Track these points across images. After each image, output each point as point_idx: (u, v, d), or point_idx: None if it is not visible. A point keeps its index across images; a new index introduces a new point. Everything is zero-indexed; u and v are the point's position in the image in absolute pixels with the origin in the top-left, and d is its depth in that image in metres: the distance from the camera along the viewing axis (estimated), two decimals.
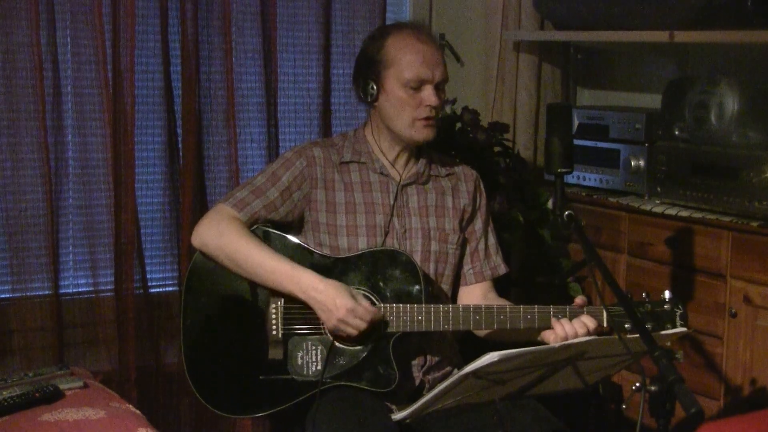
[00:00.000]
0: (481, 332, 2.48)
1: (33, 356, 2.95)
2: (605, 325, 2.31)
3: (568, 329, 2.24)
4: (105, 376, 2.88)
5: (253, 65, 3.19)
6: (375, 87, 2.39)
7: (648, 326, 2.27)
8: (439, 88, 2.39)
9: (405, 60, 2.36)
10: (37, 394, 2.35)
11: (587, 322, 2.26)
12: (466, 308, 2.31)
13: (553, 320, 2.27)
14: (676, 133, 2.99)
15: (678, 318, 2.30)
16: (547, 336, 2.28)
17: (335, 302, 2.23)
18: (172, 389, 3.15)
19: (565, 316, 2.28)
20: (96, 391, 2.49)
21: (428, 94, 2.36)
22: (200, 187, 3.14)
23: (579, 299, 2.32)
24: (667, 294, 2.32)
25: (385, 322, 2.29)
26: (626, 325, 2.23)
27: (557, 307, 2.31)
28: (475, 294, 2.53)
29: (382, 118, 2.42)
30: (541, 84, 3.58)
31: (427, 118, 2.38)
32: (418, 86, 2.36)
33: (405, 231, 2.44)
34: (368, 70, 2.41)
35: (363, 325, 2.24)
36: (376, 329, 2.28)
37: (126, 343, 3.05)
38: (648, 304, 2.31)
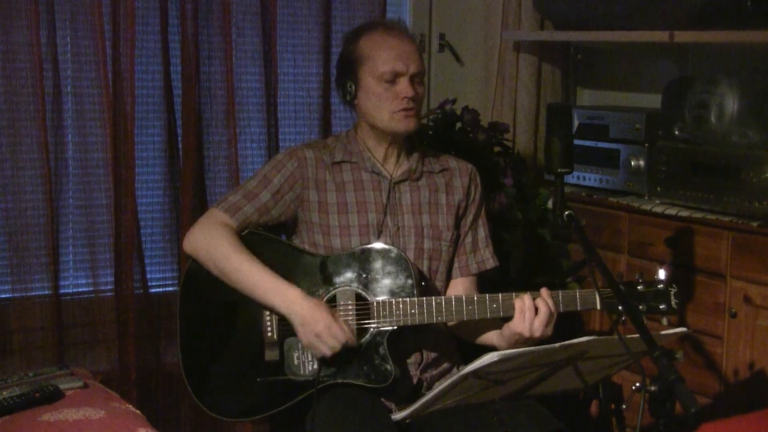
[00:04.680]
0: (452, 325, 2.47)
1: (33, 356, 2.95)
2: (598, 308, 2.33)
3: (527, 302, 2.26)
4: (105, 376, 2.87)
5: (253, 65, 3.19)
6: (353, 86, 2.41)
7: (642, 306, 2.29)
8: (414, 80, 2.40)
9: (378, 55, 2.38)
10: (37, 394, 2.34)
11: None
12: (459, 299, 2.31)
13: (515, 299, 2.28)
14: (676, 133, 2.99)
15: (672, 297, 2.31)
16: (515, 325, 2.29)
17: (315, 316, 2.24)
18: (172, 389, 3.15)
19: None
20: (96, 391, 2.49)
21: (403, 86, 2.37)
22: (200, 187, 3.14)
23: (543, 290, 2.34)
24: (661, 273, 2.33)
25: (377, 320, 2.29)
26: (619, 307, 2.23)
27: (550, 292, 2.31)
28: (457, 289, 2.52)
29: (364, 116, 2.44)
30: (541, 84, 3.58)
31: (405, 109, 2.38)
32: (392, 79, 2.37)
33: (398, 229, 2.44)
34: (346, 70, 2.44)
35: (337, 346, 2.24)
36: (351, 351, 2.28)
37: (126, 343, 3.05)
38: (641, 285, 2.31)
